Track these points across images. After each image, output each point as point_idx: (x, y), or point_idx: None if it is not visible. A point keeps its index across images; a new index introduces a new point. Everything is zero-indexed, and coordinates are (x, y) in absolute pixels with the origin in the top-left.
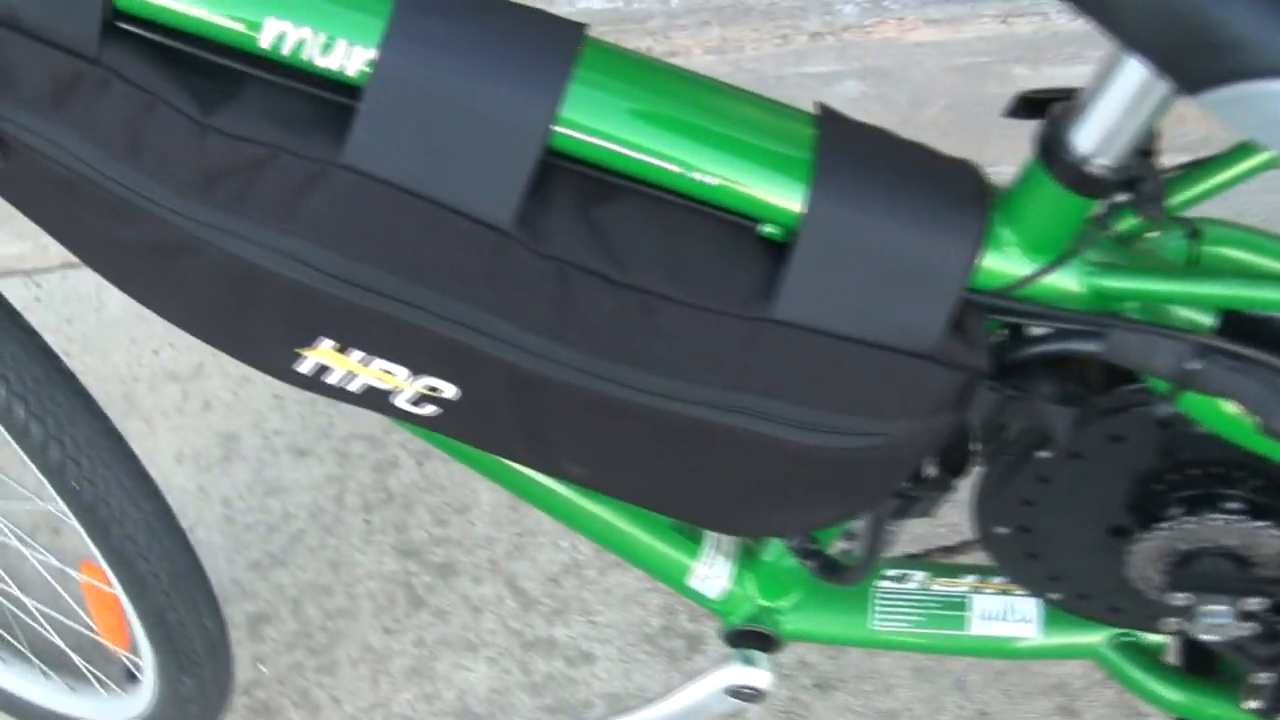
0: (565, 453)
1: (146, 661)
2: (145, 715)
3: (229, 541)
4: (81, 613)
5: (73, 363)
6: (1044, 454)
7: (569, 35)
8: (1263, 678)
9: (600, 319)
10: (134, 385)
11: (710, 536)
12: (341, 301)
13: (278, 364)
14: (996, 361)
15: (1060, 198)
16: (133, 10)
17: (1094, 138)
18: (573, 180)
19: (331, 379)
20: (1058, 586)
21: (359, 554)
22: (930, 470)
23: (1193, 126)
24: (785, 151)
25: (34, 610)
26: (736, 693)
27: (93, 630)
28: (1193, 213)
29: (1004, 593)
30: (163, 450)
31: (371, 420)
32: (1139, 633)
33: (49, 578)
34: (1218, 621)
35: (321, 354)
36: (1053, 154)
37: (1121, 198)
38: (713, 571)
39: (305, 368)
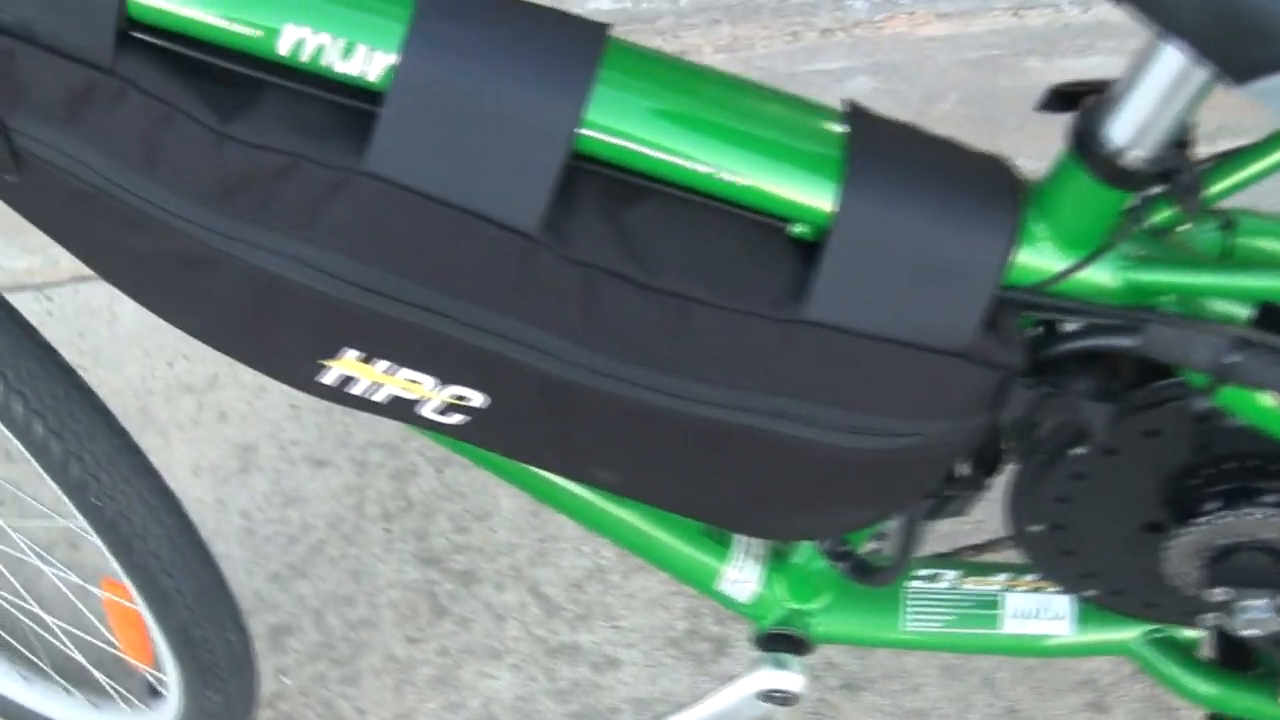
0: (595, 459)
1: (171, 677)
2: None
3: (248, 553)
4: (103, 629)
5: (86, 377)
6: (1079, 451)
7: (592, 36)
8: None
9: (630, 324)
10: (149, 398)
11: (739, 540)
12: (366, 311)
13: (301, 375)
14: (1030, 359)
15: (1094, 191)
16: (147, 19)
17: (1129, 129)
18: (599, 183)
19: (356, 390)
20: (1092, 583)
21: (380, 563)
22: (963, 469)
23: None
24: (815, 149)
25: (54, 627)
26: (768, 697)
27: (115, 646)
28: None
29: (1037, 590)
30: (179, 463)
31: (389, 428)
32: (1173, 628)
33: (69, 594)
34: (1257, 616)
35: (346, 364)
36: (1087, 147)
37: (1156, 190)
38: (742, 575)
39: (329, 379)
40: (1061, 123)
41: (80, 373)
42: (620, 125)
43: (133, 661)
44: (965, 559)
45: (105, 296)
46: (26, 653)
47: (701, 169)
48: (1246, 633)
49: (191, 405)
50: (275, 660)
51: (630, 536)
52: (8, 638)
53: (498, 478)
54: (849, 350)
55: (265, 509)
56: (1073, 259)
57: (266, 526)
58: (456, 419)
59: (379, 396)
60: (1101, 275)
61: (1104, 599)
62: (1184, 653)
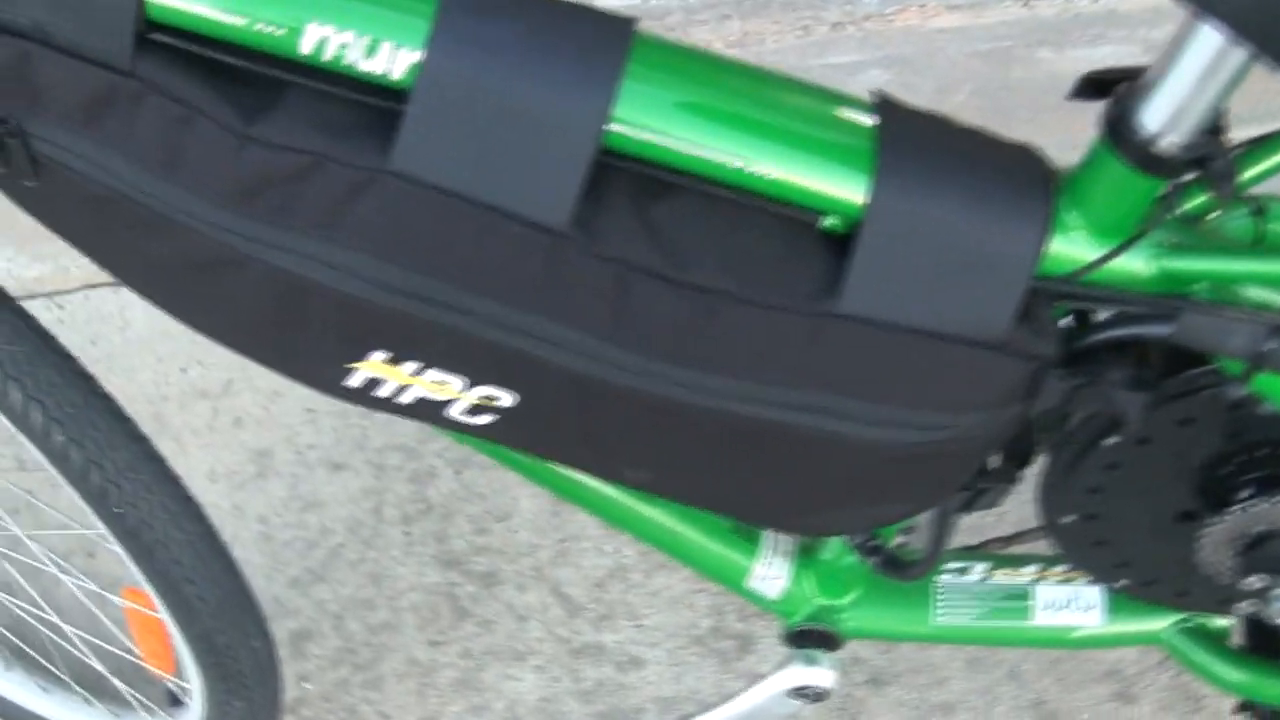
0: (626, 457)
1: (194, 685)
2: None
3: (267, 559)
4: (123, 637)
5: None
6: (1111, 441)
7: (619, 30)
8: None
9: (661, 320)
10: (163, 405)
11: (768, 536)
12: (393, 312)
13: (326, 379)
14: (1062, 349)
15: (1128, 179)
16: (166, 20)
17: (1164, 115)
18: (627, 179)
19: (382, 392)
20: (1125, 573)
21: (400, 566)
22: (995, 462)
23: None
24: (845, 141)
25: (73, 636)
26: (799, 693)
27: (135, 655)
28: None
29: (1067, 581)
30: (195, 469)
31: (406, 431)
32: (1203, 617)
33: (88, 602)
34: None
35: (372, 367)
36: (1120, 134)
37: (1188, 177)
38: (771, 571)
39: (355, 382)
40: (1076, 112)
41: None
42: (649, 119)
43: (154, 670)
44: (994, 551)
45: (116, 303)
46: (45, 663)
47: (731, 162)
48: None
49: (206, 411)
50: (296, 666)
51: (658, 535)
52: (27, 648)
53: (521, 477)
54: (882, 344)
55: (283, 514)
56: (1105, 248)
57: (284, 532)
58: (485, 419)
59: (406, 399)
60: (1134, 263)
61: (1136, 589)
62: (1214, 641)
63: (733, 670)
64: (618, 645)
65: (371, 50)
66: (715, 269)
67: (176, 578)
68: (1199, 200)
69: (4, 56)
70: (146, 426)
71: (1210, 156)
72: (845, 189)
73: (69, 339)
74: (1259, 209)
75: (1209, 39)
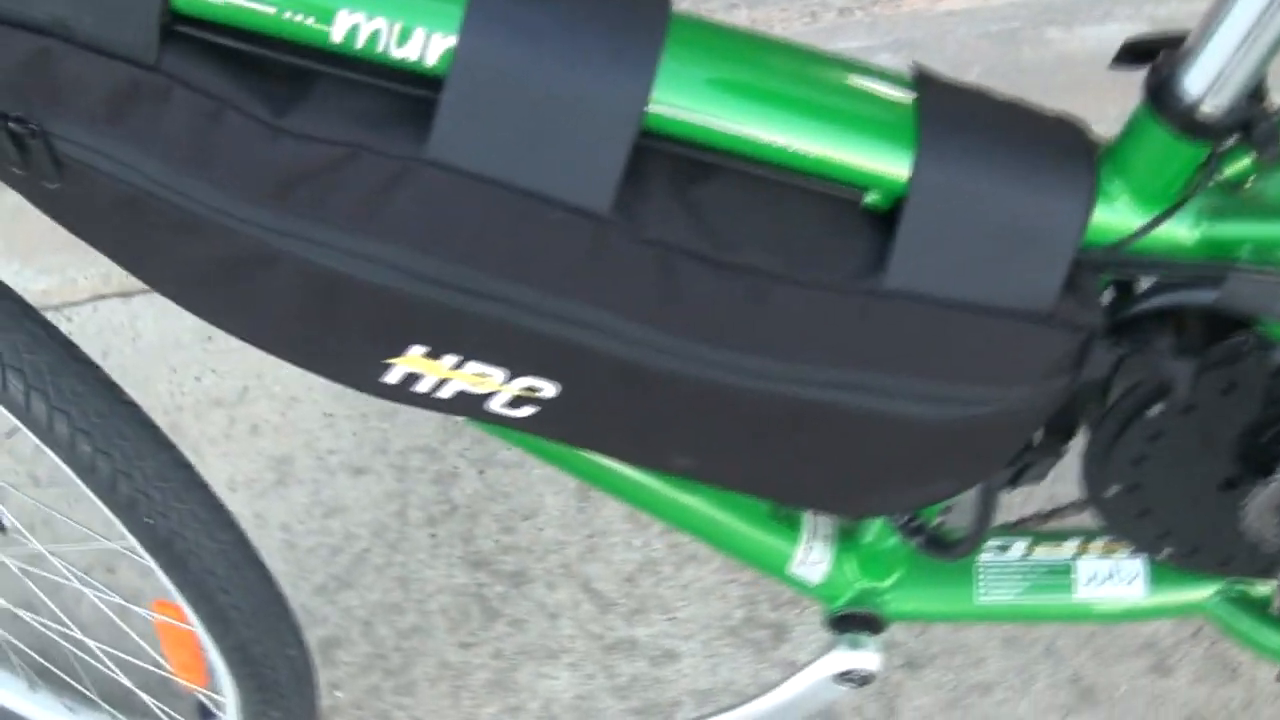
0: (671, 444)
1: (228, 698)
2: None
3: (292, 567)
4: (150, 651)
5: None
6: (1155, 410)
7: (656, 10)
8: None
9: (705, 303)
10: (178, 414)
11: (808, 521)
12: (432, 305)
13: (363, 376)
14: (1108, 319)
15: (1170, 145)
16: (192, 12)
17: (1206, 79)
18: (667, 161)
19: (421, 387)
20: (1168, 542)
21: (427, 569)
22: (1040, 436)
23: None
24: (886, 116)
25: (98, 652)
26: (845, 678)
27: (164, 669)
28: None
29: (1108, 555)
30: (214, 478)
31: (428, 432)
32: (1245, 584)
33: (113, 616)
34: None
35: (411, 362)
36: (1162, 100)
37: (1230, 142)
38: (813, 556)
39: (393, 378)
40: (1087, 90)
41: None
42: (689, 99)
43: (186, 684)
44: (1033, 528)
45: (126, 314)
46: (72, 681)
47: (772, 140)
48: None
49: (223, 419)
50: (327, 674)
51: (696, 523)
52: (52, 667)
53: (548, 472)
54: (929, 319)
55: (306, 521)
56: (1148, 216)
57: (308, 539)
58: (526, 411)
59: (445, 393)
60: (1178, 230)
61: (1179, 558)
62: (1257, 608)
63: (768, 660)
64: (651, 639)
65: (404, 37)
66: (759, 249)
67: (210, 588)
68: (1240, 165)
69: (23, 53)
70: None
71: (1253, 120)
72: (888, 164)
73: None
74: None
75: (1251, 3)
